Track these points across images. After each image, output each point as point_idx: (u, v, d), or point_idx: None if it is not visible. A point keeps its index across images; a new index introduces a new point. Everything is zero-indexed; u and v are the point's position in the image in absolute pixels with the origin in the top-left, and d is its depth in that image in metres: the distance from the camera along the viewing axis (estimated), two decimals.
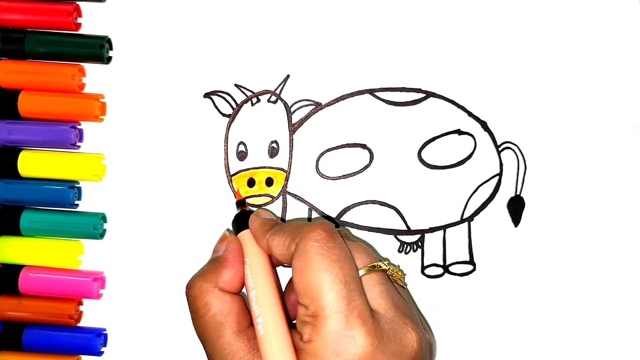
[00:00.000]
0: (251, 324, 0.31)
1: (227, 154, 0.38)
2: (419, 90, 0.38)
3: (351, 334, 0.27)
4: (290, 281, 0.32)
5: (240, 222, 0.33)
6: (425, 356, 0.30)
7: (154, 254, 0.38)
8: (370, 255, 0.31)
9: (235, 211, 0.35)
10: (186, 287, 0.31)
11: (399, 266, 0.38)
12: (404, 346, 0.29)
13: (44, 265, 0.38)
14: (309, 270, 0.28)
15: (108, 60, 0.38)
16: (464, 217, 0.38)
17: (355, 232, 0.38)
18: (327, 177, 0.38)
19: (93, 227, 0.37)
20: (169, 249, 0.38)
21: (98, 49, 0.37)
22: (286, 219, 0.38)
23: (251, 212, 0.34)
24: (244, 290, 0.32)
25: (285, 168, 0.38)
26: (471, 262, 0.38)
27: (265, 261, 0.31)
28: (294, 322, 0.30)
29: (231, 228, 0.35)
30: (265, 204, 0.38)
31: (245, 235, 0.32)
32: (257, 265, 0.31)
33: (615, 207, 0.38)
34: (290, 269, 0.30)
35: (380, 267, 0.31)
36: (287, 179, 0.38)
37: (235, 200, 0.37)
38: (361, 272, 0.30)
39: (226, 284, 0.31)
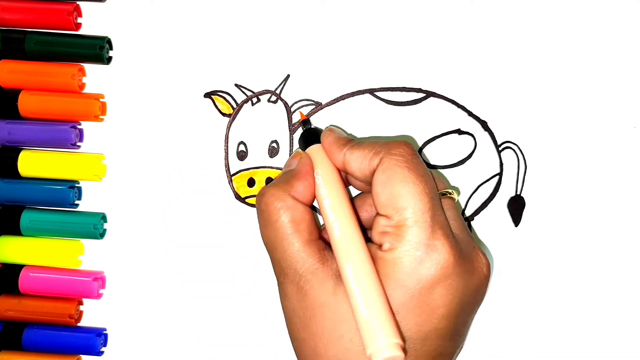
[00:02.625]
0: (321, 236, 0.31)
1: (227, 154, 0.38)
2: (419, 90, 0.38)
3: (434, 244, 0.28)
4: (357, 197, 0.33)
5: (309, 138, 0.34)
6: (488, 285, 0.31)
7: (154, 254, 0.38)
8: (443, 182, 0.32)
9: None
10: (258, 196, 0.31)
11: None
12: (475, 268, 0.30)
13: (44, 265, 0.38)
14: (395, 182, 0.28)
15: (108, 60, 0.38)
16: (464, 217, 0.38)
17: None
18: None
19: (93, 227, 0.37)
20: (169, 249, 0.38)
21: (98, 50, 0.37)
22: None
23: (319, 129, 0.35)
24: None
25: None
26: None
27: (338, 172, 0.32)
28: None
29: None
30: None
31: (315, 149, 0.33)
32: (330, 175, 0.31)
33: (615, 207, 0.38)
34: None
35: (452, 194, 0.32)
36: None
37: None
38: None
39: (299, 194, 0.31)
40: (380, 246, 0.29)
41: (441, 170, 0.38)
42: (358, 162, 0.30)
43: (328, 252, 0.30)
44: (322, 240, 0.31)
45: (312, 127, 0.36)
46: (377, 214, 0.29)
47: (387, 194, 0.29)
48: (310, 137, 0.34)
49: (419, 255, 0.28)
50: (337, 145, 0.32)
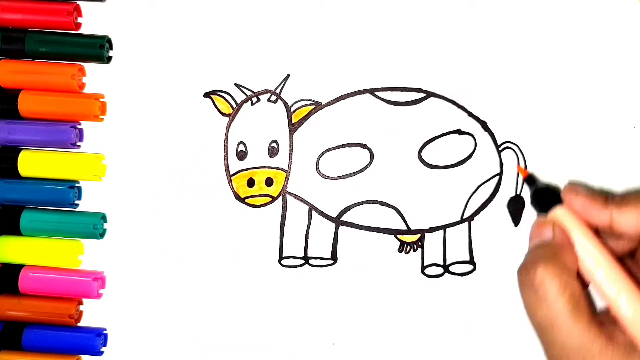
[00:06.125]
0: (595, 311, 0.28)
1: (227, 154, 0.38)
2: (419, 90, 0.38)
3: None
4: None
5: (545, 199, 0.31)
6: None
7: (154, 254, 0.38)
8: None
9: None
10: (524, 270, 0.28)
11: None
12: None
13: (44, 265, 0.38)
14: None
15: (108, 60, 0.38)
16: (464, 217, 0.38)
17: (355, 232, 0.38)
18: (327, 177, 0.38)
19: (93, 227, 0.37)
20: (169, 249, 0.38)
21: (98, 49, 0.37)
22: (286, 220, 0.38)
23: (555, 187, 0.32)
24: None
25: (285, 168, 0.38)
26: (471, 262, 0.38)
27: (596, 237, 0.29)
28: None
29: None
30: (265, 204, 0.38)
31: (562, 213, 0.30)
32: (592, 242, 0.29)
33: None
34: None
35: None
36: (287, 178, 0.38)
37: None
38: None
39: (570, 266, 0.28)
40: None
41: (441, 171, 0.38)
42: (633, 220, 0.28)
43: (611, 326, 0.28)
44: (598, 315, 0.28)
45: (544, 185, 0.32)
46: None
47: None
48: (546, 197, 0.31)
49: None
50: (598, 205, 0.29)
